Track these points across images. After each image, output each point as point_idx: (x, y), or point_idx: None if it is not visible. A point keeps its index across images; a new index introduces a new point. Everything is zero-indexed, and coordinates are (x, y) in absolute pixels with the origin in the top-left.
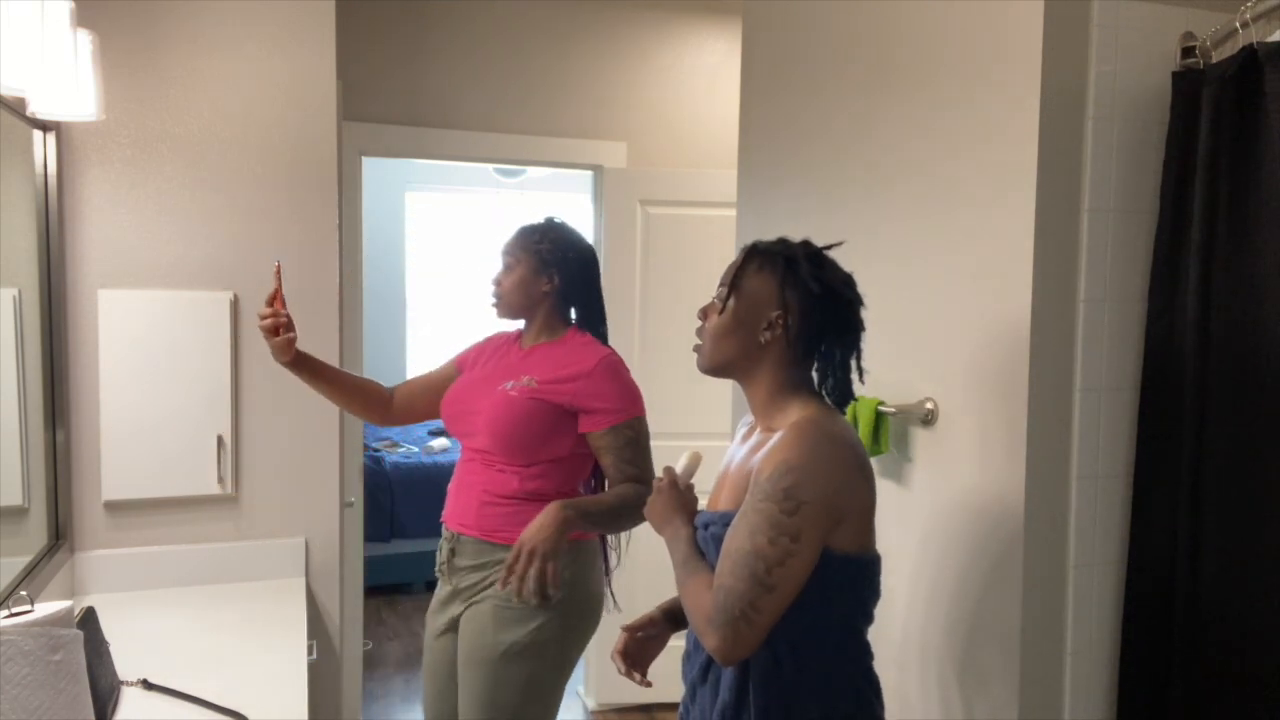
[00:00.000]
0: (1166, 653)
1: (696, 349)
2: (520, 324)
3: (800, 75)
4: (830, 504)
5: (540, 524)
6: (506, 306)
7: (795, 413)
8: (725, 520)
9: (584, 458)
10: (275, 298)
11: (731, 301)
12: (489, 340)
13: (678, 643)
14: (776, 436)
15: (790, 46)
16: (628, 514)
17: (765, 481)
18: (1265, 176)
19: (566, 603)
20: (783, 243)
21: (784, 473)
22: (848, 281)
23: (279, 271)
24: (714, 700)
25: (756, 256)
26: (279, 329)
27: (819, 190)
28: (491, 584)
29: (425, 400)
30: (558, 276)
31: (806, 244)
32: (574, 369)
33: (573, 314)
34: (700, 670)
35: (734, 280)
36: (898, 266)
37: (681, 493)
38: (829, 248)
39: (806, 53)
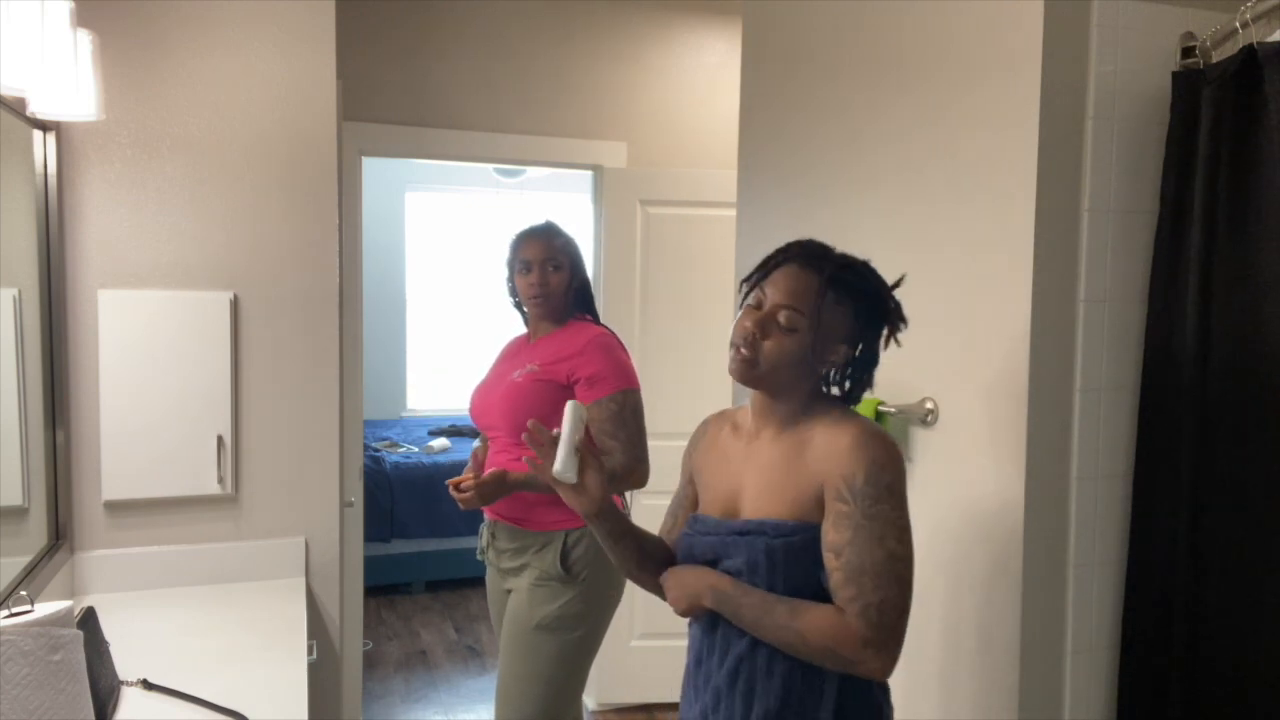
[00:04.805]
0: (1166, 653)
1: (744, 360)
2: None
3: (800, 75)
4: (907, 495)
5: (488, 485)
6: (553, 305)
7: (827, 415)
8: (780, 530)
9: None
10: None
11: (808, 332)
12: (506, 346)
13: (671, 641)
14: (830, 435)
15: (790, 47)
16: None
17: (865, 485)
18: (1265, 176)
19: (591, 578)
20: (855, 273)
21: (879, 471)
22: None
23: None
24: (747, 708)
25: (836, 288)
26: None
27: (819, 190)
28: (527, 565)
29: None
30: (578, 272)
31: (884, 284)
32: (570, 349)
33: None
34: (728, 677)
35: (815, 311)
36: (897, 266)
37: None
38: (896, 285)
39: (806, 53)
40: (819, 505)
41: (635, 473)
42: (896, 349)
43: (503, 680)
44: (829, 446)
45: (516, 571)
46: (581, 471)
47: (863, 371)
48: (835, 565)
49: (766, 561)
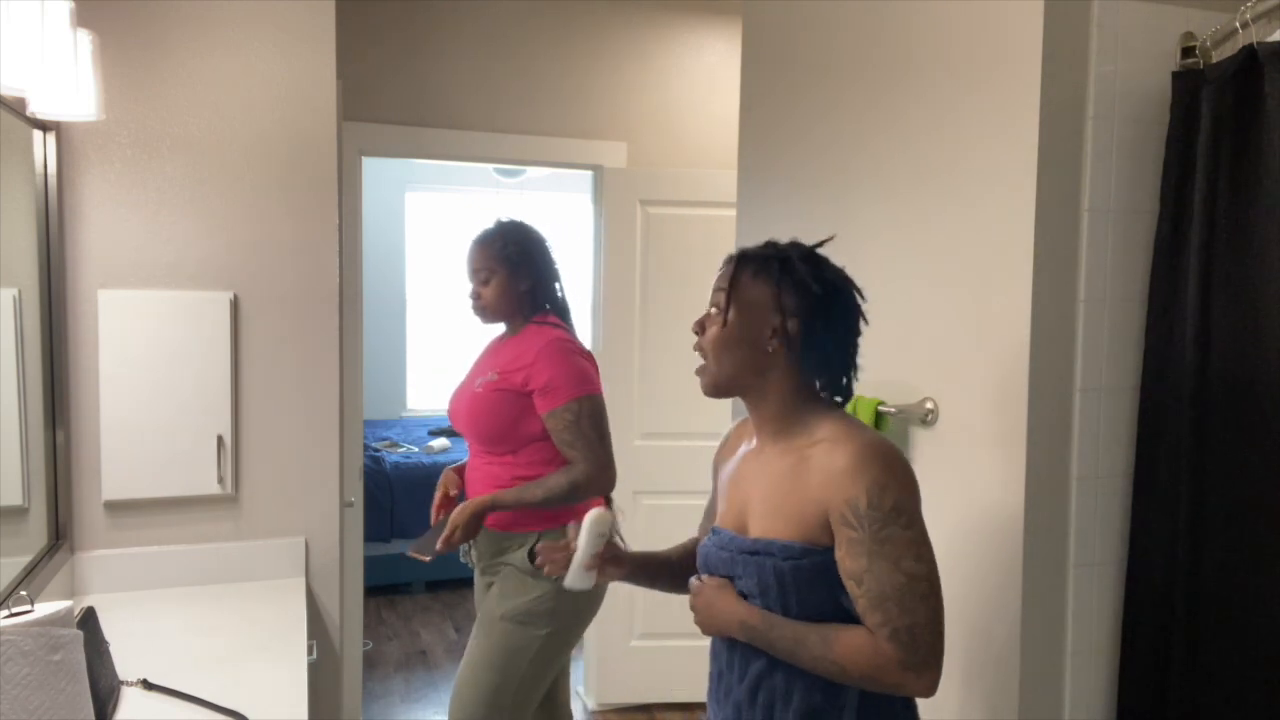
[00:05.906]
0: (1166, 653)
1: (700, 370)
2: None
3: (800, 75)
4: (920, 505)
5: (468, 524)
6: (494, 314)
7: (822, 424)
8: (788, 552)
9: None
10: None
11: (731, 313)
12: (487, 345)
13: (687, 642)
14: (828, 456)
15: (790, 47)
16: (556, 501)
17: (869, 509)
18: (1265, 176)
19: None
20: (772, 246)
21: (880, 492)
22: (845, 277)
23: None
24: None
25: (748, 263)
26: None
27: (819, 190)
28: (506, 563)
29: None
30: (531, 274)
31: (797, 244)
32: (525, 357)
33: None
34: (749, 693)
35: (730, 290)
36: (898, 266)
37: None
38: (819, 245)
39: (806, 53)
40: (825, 529)
41: (598, 480)
42: (898, 352)
43: (460, 667)
44: (828, 469)
45: (497, 569)
46: (600, 570)
47: (824, 347)
48: (858, 593)
49: (777, 583)
